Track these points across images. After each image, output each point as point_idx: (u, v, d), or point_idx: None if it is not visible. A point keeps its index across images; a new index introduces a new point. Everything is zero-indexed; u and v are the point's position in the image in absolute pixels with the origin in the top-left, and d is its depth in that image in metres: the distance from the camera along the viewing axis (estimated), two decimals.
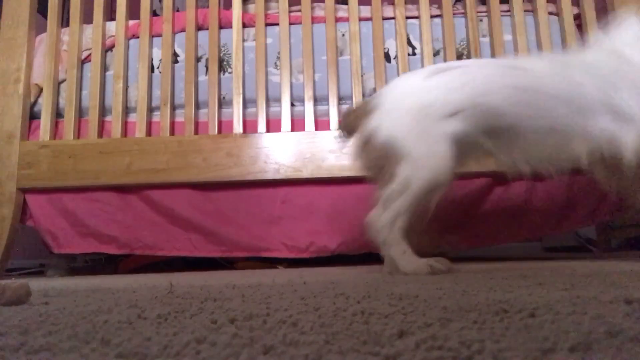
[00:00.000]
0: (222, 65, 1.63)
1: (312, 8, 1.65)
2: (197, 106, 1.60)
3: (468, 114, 1.01)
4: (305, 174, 1.50)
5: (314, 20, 1.63)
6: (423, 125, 1.00)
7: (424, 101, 1.02)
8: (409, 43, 1.61)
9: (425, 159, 0.98)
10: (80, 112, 1.62)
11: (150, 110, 1.61)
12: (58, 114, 1.62)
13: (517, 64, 1.07)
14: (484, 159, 1.12)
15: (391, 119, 1.03)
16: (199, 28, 1.65)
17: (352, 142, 1.12)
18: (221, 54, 1.63)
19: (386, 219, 0.98)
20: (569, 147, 1.03)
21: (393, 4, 1.63)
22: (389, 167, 1.01)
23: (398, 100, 1.06)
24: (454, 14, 1.62)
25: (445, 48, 1.59)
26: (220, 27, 1.64)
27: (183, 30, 1.64)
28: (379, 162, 1.04)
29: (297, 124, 1.56)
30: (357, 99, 1.54)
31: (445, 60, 1.58)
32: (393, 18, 1.62)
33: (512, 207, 1.50)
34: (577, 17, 1.59)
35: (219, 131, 1.55)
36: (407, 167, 0.98)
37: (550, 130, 1.02)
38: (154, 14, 1.88)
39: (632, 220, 1.96)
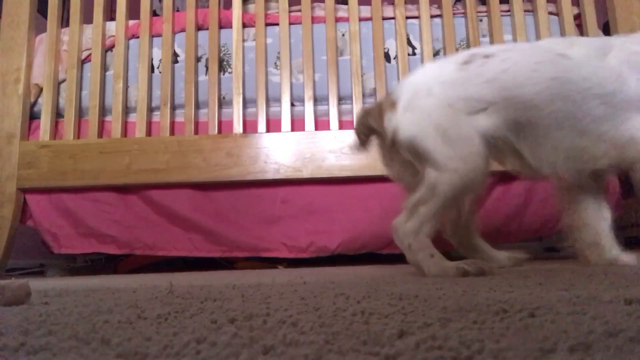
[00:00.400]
0: (222, 65, 1.62)
1: (312, 8, 1.65)
2: (197, 106, 1.60)
3: (499, 107, 0.92)
4: (305, 174, 1.50)
5: (314, 20, 1.63)
6: (450, 123, 0.92)
7: (451, 95, 0.93)
8: (409, 43, 1.61)
9: (453, 162, 0.90)
10: (80, 112, 1.62)
11: (150, 110, 1.61)
12: (58, 114, 1.62)
13: (562, 51, 0.96)
14: (510, 159, 1.01)
15: (414, 116, 0.94)
16: (199, 28, 1.65)
17: (371, 146, 1.04)
18: (221, 54, 1.63)
19: (412, 225, 0.90)
20: (598, 152, 0.93)
21: (393, 4, 1.63)
22: (416, 170, 0.94)
23: (421, 94, 0.95)
24: (454, 14, 1.62)
25: (445, 48, 1.59)
26: (220, 27, 1.64)
27: (183, 30, 1.64)
28: (405, 165, 0.97)
29: (297, 124, 1.56)
30: (357, 99, 1.54)
31: None
32: (393, 18, 1.62)
33: (512, 207, 1.50)
34: (577, 17, 1.59)
35: (219, 131, 1.55)
36: (433, 171, 0.90)
37: (582, 132, 0.92)
38: (154, 14, 1.87)
39: (632, 220, 1.96)
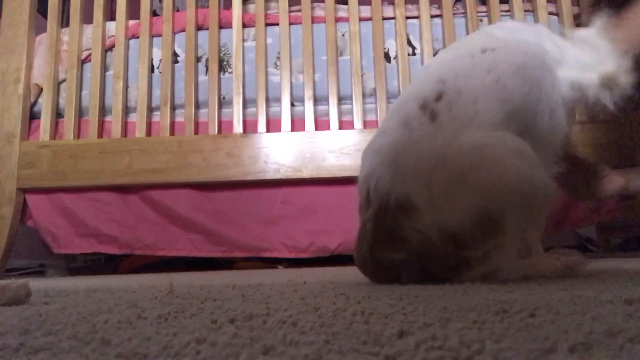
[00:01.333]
0: (222, 65, 1.62)
1: (312, 8, 1.65)
2: (197, 106, 1.60)
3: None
4: (305, 174, 1.50)
5: (314, 20, 1.63)
6: None
7: None
8: (409, 43, 1.61)
9: None
10: (80, 112, 1.62)
11: (150, 110, 1.61)
12: (58, 114, 1.62)
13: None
14: None
15: None
16: (199, 28, 1.65)
17: None
18: (221, 54, 1.63)
19: None
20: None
21: (393, 4, 1.63)
22: None
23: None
24: (454, 14, 1.62)
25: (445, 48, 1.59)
26: (220, 27, 1.63)
27: (183, 30, 1.64)
28: None
29: (297, 124, 1.56)
30: (357, 99, 1.54)
31: None
32: (393, 18, 1.62)
33: None
34: (577, 17, 1.59)
35: (219, 131, 1.55)
36: None
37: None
38: (154, 14, 1.87)
39: (632, 220, 1.96)
